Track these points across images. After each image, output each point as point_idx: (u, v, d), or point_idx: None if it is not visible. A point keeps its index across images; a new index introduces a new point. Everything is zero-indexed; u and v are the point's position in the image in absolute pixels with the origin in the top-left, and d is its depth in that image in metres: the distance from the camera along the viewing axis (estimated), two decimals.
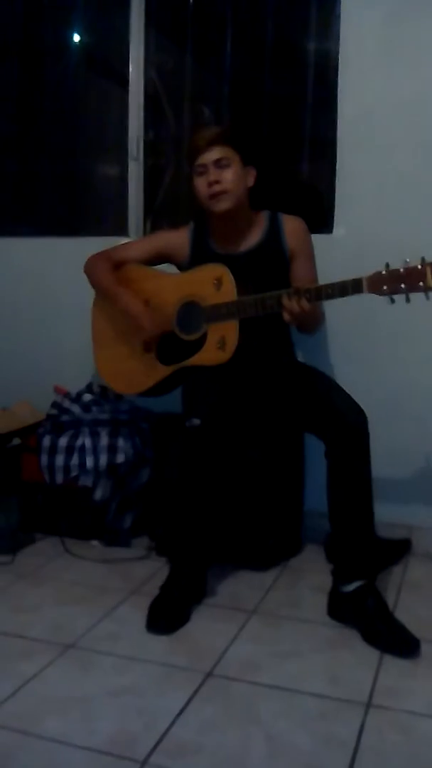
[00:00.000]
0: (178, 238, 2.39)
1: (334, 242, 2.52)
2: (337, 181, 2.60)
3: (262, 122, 2.92)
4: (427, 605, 2.17)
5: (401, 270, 1.92)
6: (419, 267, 1.89)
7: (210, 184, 2.20)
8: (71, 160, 3.33)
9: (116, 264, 2.40)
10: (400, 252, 2.45)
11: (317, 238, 2.38)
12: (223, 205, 2.22)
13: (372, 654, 1.89)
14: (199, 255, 2.32)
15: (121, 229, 2.98)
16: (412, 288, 1.91)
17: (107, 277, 2.37)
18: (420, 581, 2.36)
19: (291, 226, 2.33)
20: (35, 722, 1.59)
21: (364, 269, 2.45)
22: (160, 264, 2.42)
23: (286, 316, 2.07)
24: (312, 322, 2.24)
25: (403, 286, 1.91)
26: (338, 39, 2.57)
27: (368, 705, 1.68)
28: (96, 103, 3.34)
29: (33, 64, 3.32)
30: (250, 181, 2.28)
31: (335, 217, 2.61)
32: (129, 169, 2.98)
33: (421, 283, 1.89)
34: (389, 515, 2.45)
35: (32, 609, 2.13)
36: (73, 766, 1.46)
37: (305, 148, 2.88)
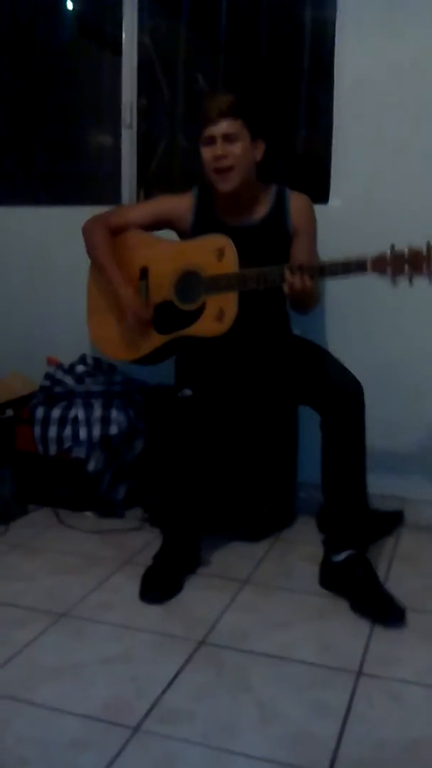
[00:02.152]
0: (181, 205, 2.34)
1: (330, 213, 2.50)
2: (333, 151, 2.57)
3: (258, 91, 2.88)
4: (419, 576, 2.19)
5: (406, 253, 1.91)
6: (424, 252, 1.89)
7: (216, 158, 2.16)
8: (64, 127, 3.28)
9: (115, 229, 2.36)
10: (396, 222, 2.46)
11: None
12: (227, 185, 2.19)
13: (363, 623, 1.91)
14: (202, 224, 2.28)
15: (115, 198, 2.95)
16: (416, 272, 1.91)
17: (103, 249, 2.33)
18: (411, 553, 2.38)
19: (297, 203, 2.30)
20: (29, 689, 1.60)
21: (361, 240, 2.43)
22: (160, 230, 2.39)
23: (287, 290, 2.06)
24: (309, 301, 2.22)
25: (407, 269, 1.91)
26: (335, 7, 2.52)
27: (359, 673, 1.70)
28: (89, 70, 3.28)
29: (25, 31, 3.25)
30: (259, 155, 2.23)
31: (331, 188, 2.58)
32: (122, 137, 2.94)
33: (425, 267, 1.89)
34: (382, 487, 2.46)
35: (26, 578, 2.14)
36: (67, 732, 1.47)
37: (301, 118, 2.84)
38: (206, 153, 2.19)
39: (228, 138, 2.15)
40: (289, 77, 2.84)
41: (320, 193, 2.59)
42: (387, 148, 2.49)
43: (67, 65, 3.29)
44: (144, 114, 2.99)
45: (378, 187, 2.51)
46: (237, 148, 2.16)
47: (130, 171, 2.94)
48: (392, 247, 1.93)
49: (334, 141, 2.56)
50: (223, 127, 2.15)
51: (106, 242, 2.34)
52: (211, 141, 2.17)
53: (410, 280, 1.92)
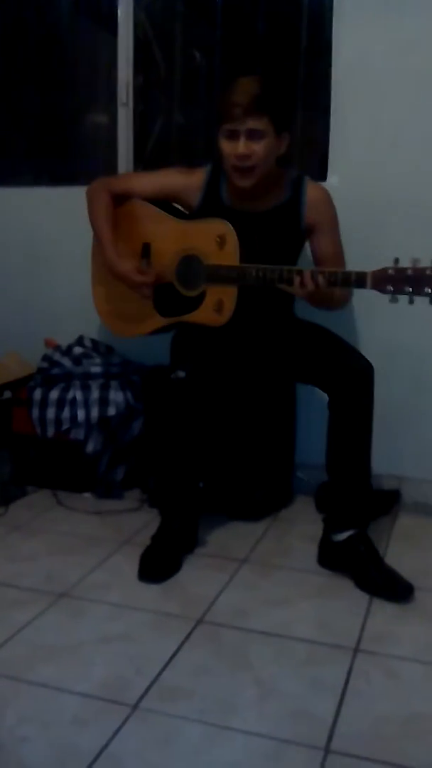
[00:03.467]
0: (191, 182, 2.26)
1: (328, 190, 2.48)
2: (331, 128, 2.55)
3: (255, 68, 2.84)
4: (416, 555, 2.20)
5: (409, 271, 1.86)
6: (428, 272, 1.83)
7: (239, 157, 2.07)
8: (59, 106, 3.24)
9: (119, 195, 2.30)
10: (394, 199, 2.44)
11: None
12: (247, 182, 2.11)
13: (361, 601, 1.92)
14: (210, 206, 2.23)
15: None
16: (419, 292, 1.85)
17: (102, 217, 2.26)
18: (409, 532, 2.39)
19: (314, 195, 2.19)
20: (28, 669, 1.61)
21: (358, 219, 2.44)
22: (164, 200, 2.34)
23: (290, 291, 2.02)
24: (325, 302, 2.12)
25: (408, 288, 1.86)
26: None
27: (356, 650, 1.71)
28: (84, 48, 3.24)
29: (20, 9, 3.21)
30: (283, 149, 2.13)
31: (329, 165, 2.56)
32: (118, 115, 2.90)
33: (428, 290, 1.83)
34: (379, 467, 2.46)
35: (25, 559, 2.14)
36: (66, 710, 1.48)
37: (299, 95, 2.81)
38: (227, 147, 2.09)
39: (252, 135, 2.04)
40: (286, 55, 2.80)
41: (318, 170, 2.57)
42: (385, 126, 2.47)
43: (63, 43, 3.24)
44: (140, 92, 2.95)
45: (376, 165, 2.49)
46: (261, 147, 2.06)
47: (126, 149, 2.91)
48: (396, 261, 1.87)
49: (332, 119, 2.54)
50: (248, 124, 2.03)
51: (107, 210, 2.27)
52: (234, 136, 2.05)
53: (411, 299, 1.87)
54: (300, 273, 1.99)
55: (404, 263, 1.88)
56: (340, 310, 2.25)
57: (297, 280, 1.98)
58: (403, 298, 1.88)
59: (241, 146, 2.05)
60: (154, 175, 2.41)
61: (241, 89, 2.06)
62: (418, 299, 1.87)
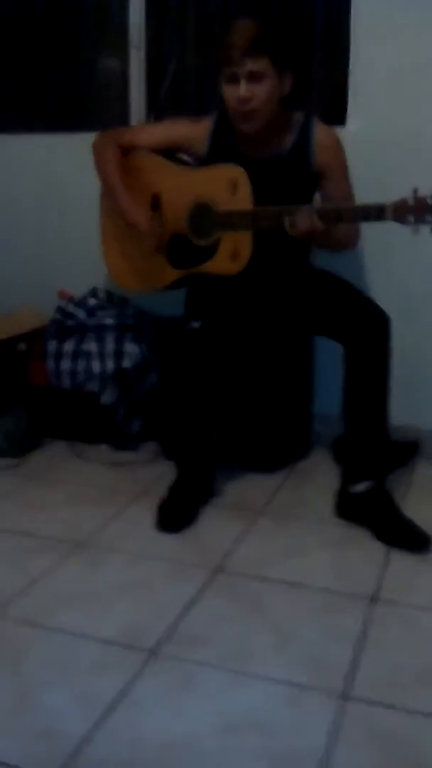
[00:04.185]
0: (197, 131, 2.22)
1: (348, 135, 2.40)
2: (350, 71, 2.46)
3: (273, 7, 2.74)
4: None
5: (429, 199, 1.82)
6: None
7: (241, 100, 2.02)
8: (70, 50, 3.15)
9: (125, 147, 2.26)
10: (416, 145, 2.37)
11: None
12: (251, 127, 2.07)
13: (378, 551, 1.92)
14: (218, 153, 2.18)
15: (123, 122, 2.84)
16: None
17: (112, 168, 2.23)
18: (427, 483, 2.37)
19: (322, 139, 2.13)
20: (48, 616, 1.63)
21: (379, 165, 2.37)
22: (172, 152, 2.29)
23: (291, 231, 1.98)
24: (333, 242, 2.10)
25: (429, 217, 1.82)
26: None
27: (374, 599, 1.71)
28: None
29: None
30: (286, 89, 2.07)
31: (348, 109, 2.48)
32: (130, 59, 2.82)
33: None
34: (399, 417, 2.43)
35: (43, 509, 2.16)
36: (86, 656, 1.50)
37: (318, 35, 2.71)
38: (228, 92, 2.04)
39: (253, 77, 2.00)
40: None
41: (337, 115, 2.49)
42: (406, 69, 2.38)
43: None
44: (153, 35, 2.86)
45: (397, 110, 2.41)
46: (262, 89, 2.01)
47: (138, 94, 2.84)
48: (415, 191, 1.83)
49: (351, 60, 2.45)
50: (248, 65, 1.98)
51: (116, 161, 2.25)
52: (234, 79, 2.01)
53: None
54: (313, 209, 1.95)
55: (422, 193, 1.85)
56: (348, 249, 2.22)
57: (314, 216, 1.94)
58: (425, 229, 1.85)
59: (242, 89, 2.01)
60: (160, 126, 2.40)
61: (238, 31, 2.01)
62: None
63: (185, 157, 2.29)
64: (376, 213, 1.90)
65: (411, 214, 1.85)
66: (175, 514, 2.07)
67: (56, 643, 1.54)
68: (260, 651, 1.52)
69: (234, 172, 2.08)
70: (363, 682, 1.43)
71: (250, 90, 2.01)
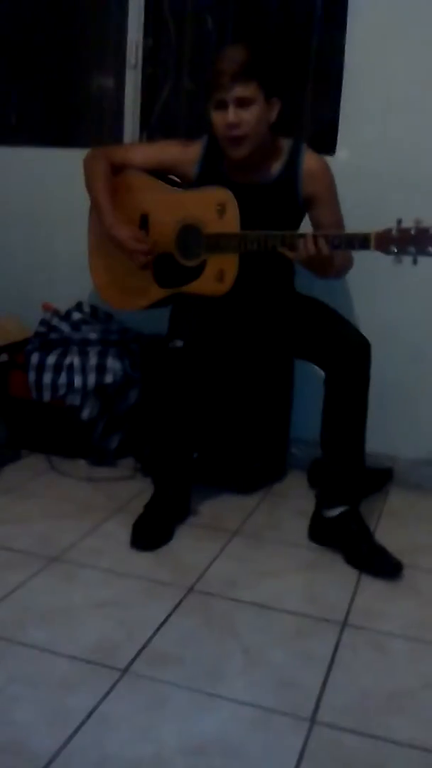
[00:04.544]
0: (188, 155, 2.24)
1: (336, 164, 2.45)
2: (342, 101, 2.52)
3: (268, 36, 2.79)
4: (406, 533, 2.22)
5: (412, 231, 1.86)
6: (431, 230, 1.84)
7: (229, 126, 2.04)
8: (67, 66, 3.18)
9: (116, 166, 2.28)
10: (404, 175, 2.42)
11: None
12: (239, 152, 2.09)
13: (350, 576, 1.94)
14: (207, 177, 2.20)
15: (116, 140, 2.88)
16: (422, 251, 1.85)
17: (101, 185, 2.25)
18: (400, 510, 2.41)
19: (311, 166, 2.15)
20: (19, 630, 1.63)
21: (366, 193, 2.42)
22: (162, 173, 2.32)
23: (290, 255, 2.01)
24: (327, 267, 2.08)
25: (412, 248, 1.86)
26: None
27: (344, 624, 1.73)
28: (94, 9, 3.17)
29: None
30: (273, 115, 2.09)
31: (338, 139, 2.53)
32: (126, 78, 2.86)
33: (431, 248, 1.84)
34: (372, 444, 2.46)
35: (18, 522, 2.15)
36: (57, 672, 1.50)
37: (311, 66, 2.77)
38: (217, 118, 2.07)
39: (241, 103, 2.02)
40: (300, 21, 2.75)
41: (328, 143, 2.54)
42: (399, 99, 2.44)
43: (72, 3, 3.17)
44: (149, 55, 2.90)
45: (388, 139, 2.46)
46: (251, 114, 2.03)
47: (133, 113, 2.87)
48: (399, 222, 1.87)
49: (343, 89, 2.50)
50: (237, 91, 2.00)
51: (106, 178, 2.26)
52: (223, 105, 2.03)
53: (415, 260, 1.87)
54: (302, 236, 1.98)
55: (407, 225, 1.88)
56: (339, 277, 2.24)
57: (300, 243, 1.96)
58: (407, 259, 1.88)
59: (231, 115, 2.03)
60: (151, 146, 2.42)
61: (227, 57, 2.04)
62: (422, 259, 1.88)
63: (175, 178, 2.32)
64: (361, 242, 1.93)
65: (394, 244, 1.88)
66: (151, 532, 2.08)
67: (27, 658, 1.54)
68: (230, 673, 1.53)
69: (222, 195, 2.11)
70: (332, 707, 1.44)
71: (238, 115, 2.04)
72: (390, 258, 1.90)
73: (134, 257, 2.22)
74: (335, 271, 2.14)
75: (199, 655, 1.58)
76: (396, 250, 1.88)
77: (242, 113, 2.04)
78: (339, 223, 2.19)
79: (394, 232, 1.88)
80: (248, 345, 2.31)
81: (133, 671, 1.51)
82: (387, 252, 1.90)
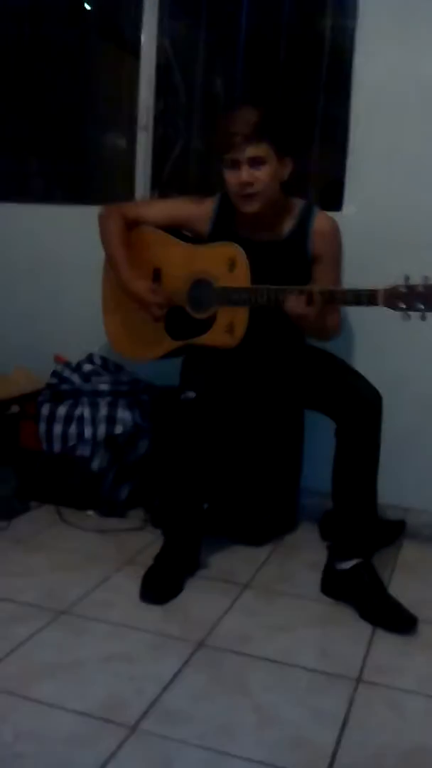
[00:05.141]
0: (200, 212, 2.29)
1: (344, 220, 2.50)
2: (348, 158, 2.58)
3: (275, 97, 2.89)
4: (420, 586, 2.19)
5: (420, 288, 1.87)
6: None
7: (242, 185, 2.09)
8: (80, 127, 3.29)
9: (130, 222, 2.33)
10: (410, 232, 2.46)
11: None
12: (252, 208, 2.13)
13: (363, 631, 1.90)
14: (220, 234, 2.24)
15: (128, 200, 2.95)
16: (430, 308, 1.87)
17: (116, 241, 2.30)
18: (413, 563, 2.37)
19: (321, 226, 2.19)
20: (26, 685, 1.60)
21: (373, 249, 2.46)
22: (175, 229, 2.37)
23: (290, 312, 2.02)
24: (319, 328, 2.15)
25: (421, 305, 1.88)
26: (355, 15, 2.53)
27: (358, 680, 1.69)
28: (107, 71, 3.30)
29: (44, 30, 3.27)
30: (285, 174, 2.14)
31: (345, 195, 2.58)
32: (138, 139, 2.94)
33: None
34: (384, 496, 2.44)
35: (26, 575, 2.13)
36: (64, 729, 1.47)
37: (318, 124, 2.85)
38: (230, 177, 2.11)
39: (254, 162, 2.06)
40: (307, 83, 2.84)
41: (334, 200, 2.59)
42: (402, 157, 2.49)
43: (85, 65, 3.30)
44: (160, 117, 2.99)
45: (392, 196, 2.51)
46: (263, 173, 2.07)
47: (144, 173, 2.95)
48: (406, 279, 1.89)
49: (349, 149, 2.57)
50: (249, 151, 2.05)
51: (120, 234, 2.31)
52: (235, 165, 2.07)
53: (423, 316, 1.89)
54: (310, 292, 2.00)
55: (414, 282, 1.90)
56: (330, 339, 2.27)
57: (306, 298, 1.99)
58: (415, 315, 1.89)
59: (244, 174, 2.08)
60: (164, 203, 2.49)
61: (239, 118, 2.08)
62: (430, 315, 1.89)
63: (187, 234, 2.37)
64: (368, 298, 1.95)
65: (402, 300, 1.89)
66: (160, 585, 2.05)
67: (34, 714, 1.51)
68: (242, 730, 1.49)
69: (232, 250, 2.15)
70: (345, 765, 1.40)
71: (252, 175, 2.08)
72: (397, 314, 1.92)
73: (150, 310, 2.25)
74: (327, 331, 2.19)
75: (209, 712, 1.54)
76: (404, 307, 1.90)
77: (256, 172, 2.08)
78: (336, 285, 2.21)
79: (401, 288, 1.90)
80: (259, 396, 2.32)
81: (142, 728, 1.48)
82: (395, 308, 1.91)
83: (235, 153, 2.07)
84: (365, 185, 2.55)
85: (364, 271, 2.27)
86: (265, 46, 2.92)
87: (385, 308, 1.93)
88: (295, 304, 2.00)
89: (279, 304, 2.05)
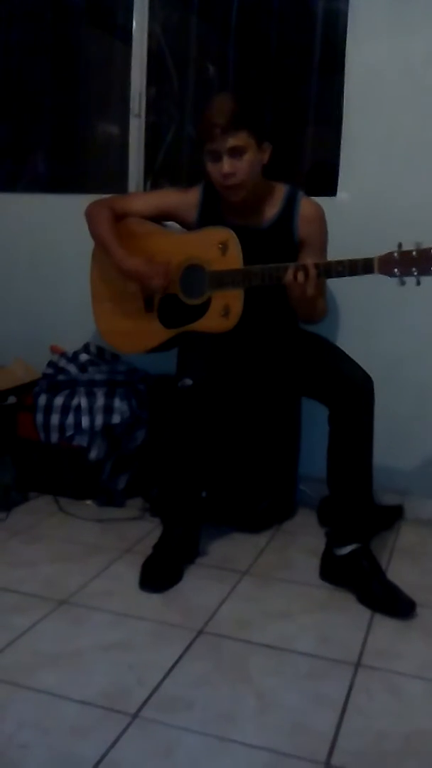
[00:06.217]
0: (187, 201, 2.30)
1: (338, 206, 2.49)
2: (342, 144, 2.57)
3: (268, 83, 2.87)
4: (418, 570, 2.20)
5: (414, 253, 1.89)
6: None
7: (224, 176, 2.10)
8: (72, 115, 3.27)
9: (118, 215, 2.33)
10: (404, 217, 2.45)
11: (320, 201, 2.34)
12: (237, 197, 2.14)
13: (363, 616, 1.92)
14: (207, 221, 2.25)
15: (121, 187, 2.94)
16: (424, 271, 1.89)
17: (106, 227, 2.29)
18: (411, 547, 2.38)
19: (307, 212, 2.21)
20: (28, 675, 1.61)
21: (368, 234, 2.44)
22: (162, 221, 2.38)
23: (289, 287, 2.03)
24: (312, 308, 2.17)
25: (414, 269, 1.90)
26: (348, 0, 2.51)
27: (357, 665, 1.70)
28: (98, 58, 3.27)
29: (35, 18, 3.24)
30: (265, 158, 2.15)
31: (339, 181, 2.58)
32: (130, 126, 2.92)
33: None
34: (382, 481, 2.46)
35: (26, 565, 2.14)
36: (66, 718, 1.48)
37: (311, 110, 2.83)
38: (212, 168, 2.12)
39: (234, 151, 2.07)
40: (299, 69, 2.82)
41: (328, 185, 2.58)
42: (397, 143, 2.49)
43: (77, 53, 3.27)
44: (153, 104, 2.97)
45: (387, 182, 2.51)
46: (244, 162, 2.09)
47: (137, 160, 2.94)
48: (399, 246, 1.91)
49: (343, 134, 2.56)
50: (229, 141, 2.05)
51: (110, 222, 2.30)
52: (216, 156, 2.09)
53: (418, 281, 1.91)
54: (305, 266, 2.00)
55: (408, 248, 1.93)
56: (319, 321, 2.30)
57: (302, 272, 2.00)
58: (410, 281, 1.91)
59: (225, 166, 2.08)
60: (150, 195, 2.50)
61: (217, 108, 2.08)
62: (425, 279, 1.90)
63: (176, 224, 2.36)
64: (365, 266, 1.96)
65: (397, 267, 1.92)
66: (160, 574, 2.06)
67: (36, 703, 1.52)
68: (242, 716, 1.51)
69: (223, 233, 2.15)
70: (346, 751, 1.41)
71: (232, 165, 2.09)
72: (394, 282, 1.93)
73: (151, 282, 2.23)
74: (319, 314, 2.23)
75: (210, 699, 1.56)
76: (399, 273, 1.92)
77: (236, 162, 2.09)
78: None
79: (396, 255, 1.92)
80: (255, 383, 2.32)
81: (143, 716, 1.49)
82: (390, 275, 1.93)
83: (215, 144, 2.08)
84: (359, 171, 2.55)
85: (359, 252, 2.26)
86: (258, 31, 2.90)
87: (381, 275, 1.94)
88: (293, 278, 2.00)
89: (274, 281, 2.05)
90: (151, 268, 2.23)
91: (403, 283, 1.92)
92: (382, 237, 2.44)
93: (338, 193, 2.58)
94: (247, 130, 2.07)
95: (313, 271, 2.00)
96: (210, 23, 3.02)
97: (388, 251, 1.93)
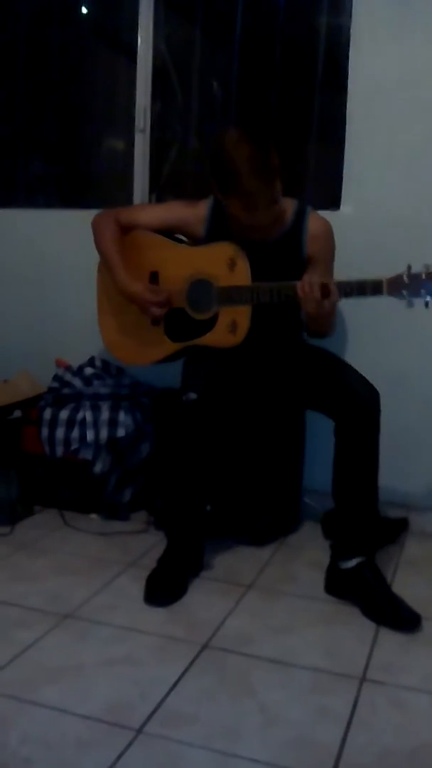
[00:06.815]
0: (194, 215, 2.27)
1: (341, 219, 2.50)
2: (345, 157, 2.58)
3: (271, 97, 2.89)
4: (424, 584, 2.19)
5: (423, 276, 1.91)
6: None
7: (262, 226, 2.10)
8: (78, 131, 3.30)
9: (124, 227, 2.32)
10: (407, 230, 2.46)
11: (324, 214, 2.35)
12: (267, 235, 2.15)
13: (367, 629, 1.91)
14: (215, 236, 2.23)
15: (126, 203, 2.95)
16: None
17: (110, 244, 2.29)
18: (416, 560, 2.37)
19: (315, 229, 2.20)
20: (32, 690, 1.60)
21: (371, 247, 2.46)
22: (169, 233, 2.38)
23: (301, 304, 2.03)
24: (324, 324, 2.17)
25: (424, 292, 1.91)
26: (350, 14, 2.53)
27: (362, 679, 1.69)
28: (104, 75, 3.30)
29: (41, 34, 3.28)
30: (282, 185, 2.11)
31: (342, 194, 2.59)
32: (135, 141, 2.95)
33: None
34: (387, 494, 2.45)
35: (30, 579, 2.14)
36: (69, 733, 1.47)
37: (314, 124, 2.85)
38: (243, 216, 2.07)
39: (271, 203, 2.06)
40: (302, 83, 2.84)
41: (331, 198, 2.59)
42: (400, 155, 2.50)
43: (82, 68, 3.31)
44: (157, 119, 3.00)
45: (390, 194, 2.52)
46: (277, 207, 2.08)
47: (142, 175, 2.96)
48: (409, 267, 1.92)
49: (346, 147, 2.57)
50: (269, 205, 2.05)
51: (115, 237, 2.30)
52: (252, 207, 2.04)
53: (426, 304, 1.91)
54: (326, 285, 2.00)
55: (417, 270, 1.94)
56: (328, 335, 2.28)
57: (311, 291, 1.99)
58: (419, 303, 1.93)
59: (265, 219, 2.08)
60: (158, 207, 2.48)
61: (255, 172, 1.98)
62: None
63: (182, 237, 2.37)
64: (373, 287, 1.96)
65: (405, 289, 1.92)
66: (164, 588, 2.06)
67: (40, 718, 1.51)
68: (247, 731, 1.50)
69: (231, 249, 2.15)
70: (351, 765, 1.40)
71: (270, 215, 2.08)
72: (402, 303, 1.93)
73: (150, 310, 2.24)
74: (329, 328, 2.22)
75: (214, 714, 1.55)
76: (407, 294, 1.92)
77: (272, 211, 2.08)
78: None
79: (405, 277, 1.93)
80: (260, 396, 2.32)
81: (147, 731, 1.48)
82: (399, 296, 1.93)
83: (256, 214, 2.05)
84: (362, 185, 2.56)
85: (363, 270, 2.26)
86: (261, 46, 2.92)
87: (390, 297, 1.95)
88: (303, 296, 1.99)
89: (282, 299, 2.05)
90: (152, 297, 2.22)
91: (411, 306, 1.93)
92: (385, 248, 2.48)
93: (342, 206, 2.59)
94: (278, 177, 2.04)
95: (317, 289, 1.98)
96: (214, 39, 3.05)
97: (397, 273, 1.93)
